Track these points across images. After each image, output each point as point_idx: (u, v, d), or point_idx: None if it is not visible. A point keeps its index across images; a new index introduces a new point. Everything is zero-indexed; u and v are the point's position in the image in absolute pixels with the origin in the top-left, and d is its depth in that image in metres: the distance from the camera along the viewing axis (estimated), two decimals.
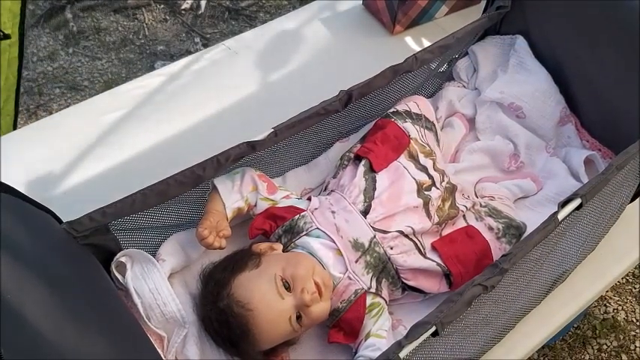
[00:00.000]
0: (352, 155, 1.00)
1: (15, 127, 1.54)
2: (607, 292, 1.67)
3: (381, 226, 0.91)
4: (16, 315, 0.55)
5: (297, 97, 1.02)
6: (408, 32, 1.38)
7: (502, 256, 0.79)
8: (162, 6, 2.48)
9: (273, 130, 0.91)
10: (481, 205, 1.00)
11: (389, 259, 0.90)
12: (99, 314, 0.72)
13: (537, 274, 0.87)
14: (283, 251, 0.91)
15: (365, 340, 0.86)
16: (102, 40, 2.35)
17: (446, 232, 0.97)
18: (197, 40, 2.38)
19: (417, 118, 1.04)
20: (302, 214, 0.92)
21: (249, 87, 1.25)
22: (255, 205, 0.95)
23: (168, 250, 0.93)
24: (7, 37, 1.33)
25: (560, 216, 0.81)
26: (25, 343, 0.54)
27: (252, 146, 0.89)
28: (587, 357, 1.58)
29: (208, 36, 2.39)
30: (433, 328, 0.72)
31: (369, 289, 0.88)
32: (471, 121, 1.15)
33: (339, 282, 0.88)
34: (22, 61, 1.46)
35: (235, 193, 0.93)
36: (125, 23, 2.42)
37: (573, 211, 0.82)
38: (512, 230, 0.97)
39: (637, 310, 1.65)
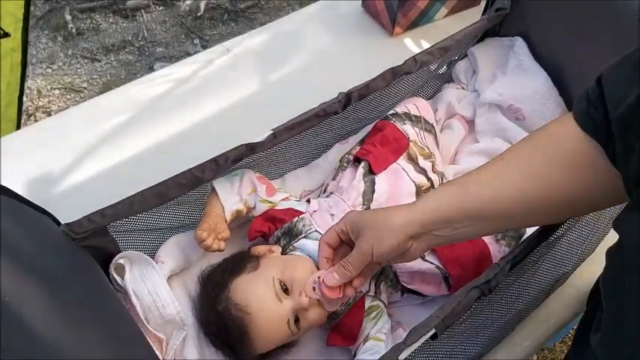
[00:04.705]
0: (351, 157, 1.00)
1: None
2: None
3: None
4: (14, 317, 0.55)
5: (296, 99, 1.02)
6: (407, 34, 1.38)
7: (501, 259, 0.79)
8: (161, 7, 2.49)
9: (272, 131, 0.91)
10: None
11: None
12: (97, 316, 0.72)
13: (536, 276, 0.87)
14: (282, 254, 0.91)
15: (364, 343, 0.85)
16: (101, 41, 2.35)
17: None
18: (196, 41, 2.38)
19: (416, 120, 1.04)
20: (301, 216, 0.92)
21: (249, 89, 1.25)
22: (254, 207, 0.95)
23: (168, 251, 0.93)
24: (6, 34, 1.32)
25: None
26: (24, 345, 0.54)
27: (251, 148, 0.89)
28: None
29: (207, 37, 2.39)
30: (433, 331, 0.71)
31: (368, 292, 0.88)
32: (471, 123, 1.15)
33: None
34: (26, 68, 1.46)
35: (234, 195, 0.93)
36: (124, 25, 2.42)
37: None
38: (512, 232, 0.97)
39: None
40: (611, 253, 0.57)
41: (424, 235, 0.74)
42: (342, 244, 0.81)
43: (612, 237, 0.97)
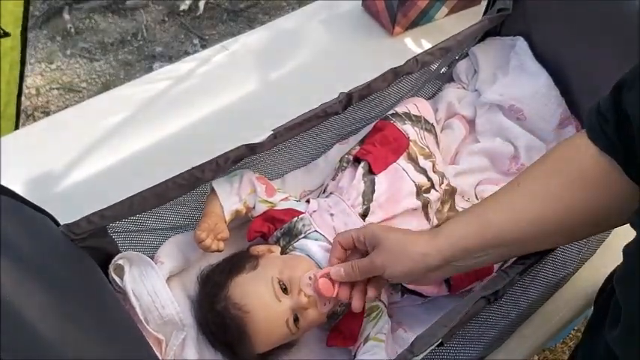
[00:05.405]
0: (351, 157, 1.00)
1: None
2: None
3: None
4: (14, 317, 0.55)
5: (296, 99, 1.02)
6: (407, 33, 1.38)
7: (507, 266, 0.78)
8: (160, 7, 2.48)
9: (272, 132, 0.90)
10: None
11: None
12: (97, 317, 0.71)
13: (539, 279, 0.86)
14: (281, 254, 0.91)
15: (364, 344, 0.85)
16: (100, 41, 2.35)
17: None
18: (195, 41, 2.38)
19: (416, 119, 1.04)
20: (301, 216, 0.92)
21: (248, 89, 1.25)
22: (254, 208, 0.95)
23: (167, 252, 0.93)
24: (7, 34, 1.32)
25: None
26: (24, 345, 0.54)
27: (251, 148, 0.89)
28: None
29: (207, 37, 2.39)
30: (439, 341, 0.71)
31: None
32: (471, 123, 1.15)
33: None
34: (25, 66, 1.46)
35: (233, 196, 0.93)
36: (123, 24, 2.41)
37: None
38: None
39: None
40: (627, 250, 0.57)
41: (444, 266, 0.75)
42: (355, 250, 0.82)
43: (613, 239, 0.98)
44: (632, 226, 0.56)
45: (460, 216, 0.77)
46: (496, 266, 0.86)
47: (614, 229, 0.96)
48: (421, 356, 0.70)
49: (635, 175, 0.63)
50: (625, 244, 0.59)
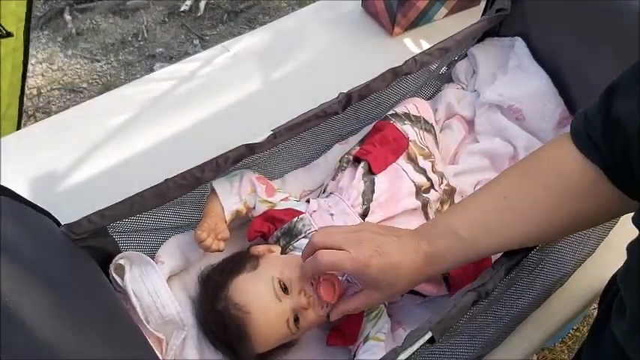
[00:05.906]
0: (351, 157, 1.00)
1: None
2: None
3: None
4: (14, 317, 0.55)
5: (296, 99, 1.02)
6: (407, 34, 1.38)
7: (496, 261, 0.79)
8: (161, 8, 2.49)
9: (272, 132, 0.91)
10: None
11: None
12: (97, 316, 0.72)
13: (536, 278, 0.86)
14: (282, 254, 0.91)
15: (364, 343, 0.85)
16: (101, 41, 2.35)
17: None
18: (196, 42, 2.38)
19: (415, 120, 1.04)
20: (301, 216, 0.92)
21: (248, 89, 1.25)
22: (254, 208, 0.95)
23: (167, 252, 0.93)
24: (9, 34, 1.33)
25: None
26: (24, 345, 0.54)
27: (251, 148, 0.89)
28: None
29: (207, 38, 2.39)
30: (429, 334, 0.71)
31: None
32: (470, 123, 1.15)
33: None
34: (27, 67, 1.46)
35: (234, 196, 0.93)
36: (124, 25, 2.42)
37: None
38: None
39: None
40: (631, 248, 0.57)
41: None
42: None
43: (612, 238, 0.98)
44: (635, 224, 0.57)
45: (452, 242, 0.76)
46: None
47: (614, 227, 0.97)
48: (411, 350, 0.70)
49: (620, 181, 0.63)
50: (625, 242, 0.59)
